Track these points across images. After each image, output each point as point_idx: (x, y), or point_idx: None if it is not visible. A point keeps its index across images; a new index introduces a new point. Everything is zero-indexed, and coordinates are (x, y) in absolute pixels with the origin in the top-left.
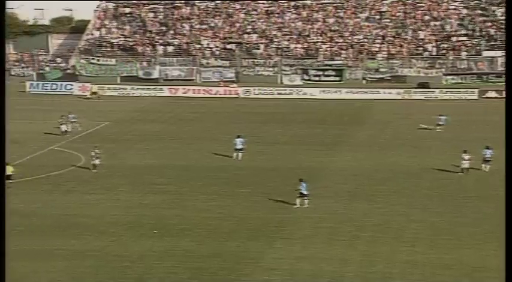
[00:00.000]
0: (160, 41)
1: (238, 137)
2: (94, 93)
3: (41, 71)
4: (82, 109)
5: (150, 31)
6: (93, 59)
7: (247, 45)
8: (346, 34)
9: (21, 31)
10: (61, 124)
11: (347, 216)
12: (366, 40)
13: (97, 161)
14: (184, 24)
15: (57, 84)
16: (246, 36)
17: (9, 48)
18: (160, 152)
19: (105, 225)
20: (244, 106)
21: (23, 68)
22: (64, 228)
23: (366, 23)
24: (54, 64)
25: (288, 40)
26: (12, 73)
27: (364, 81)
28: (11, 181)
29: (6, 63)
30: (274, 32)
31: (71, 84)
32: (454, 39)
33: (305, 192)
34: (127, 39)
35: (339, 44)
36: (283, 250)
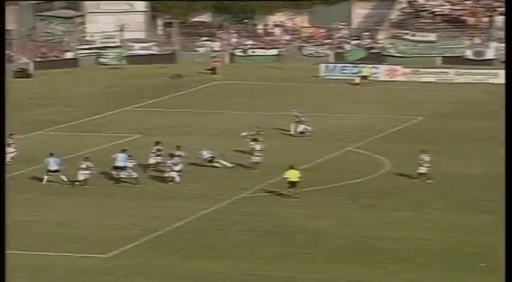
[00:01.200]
0: (500, 10)
1: None
2: (364, 77)
3: (339, 50)
4: (389, 98)
5: None
6: (407, 34)
7: None
8: None
9: None
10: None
11: None
12: None
13: (423, 169)
14: None
15: (358, 67)
16: None
17: (303, 21)
18: (489, 158)
19: (412, 252)
20: None
21: (317, 45)
22: (362, 253)
23: None
24: (357, 41)
25: None
26: (305, 52)
27: None
28: (296, 189)
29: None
30: None
31: (376, 67)
32: None
33: None
34: (454, 7)
35: None
36: None
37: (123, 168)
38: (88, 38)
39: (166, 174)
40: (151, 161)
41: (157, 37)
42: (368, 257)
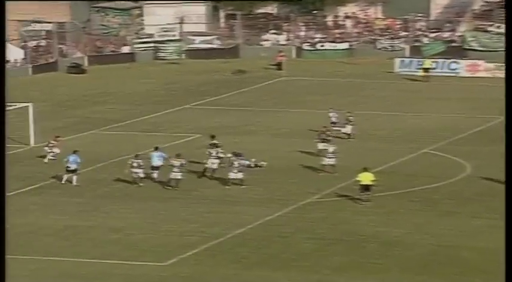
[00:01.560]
0: None
1: None
2: (426, 70)
3: (416, 44)
4: (470, 96)
5: None
6: (491, 25)
7: None
8: None
9: None
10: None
11: None
12: None
13: None
14: None
15: (437, 62)
16: None
17: (377, 12)
18: None
19: (495, 264)
20: None
21: (392, 38)
22: (439, 263)
23: None
24: (436, 34)
25: None
26: (378, 46)
27: None
28: (369, 193)
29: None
30: None
31: (457, 62)
32: None
33: None
34: None
35: None
36: None
37: (157, 168)
38: (146, 31)
39: (231, 176)
40: (210, 162)
41: (219, 30)
42: (446, 268)
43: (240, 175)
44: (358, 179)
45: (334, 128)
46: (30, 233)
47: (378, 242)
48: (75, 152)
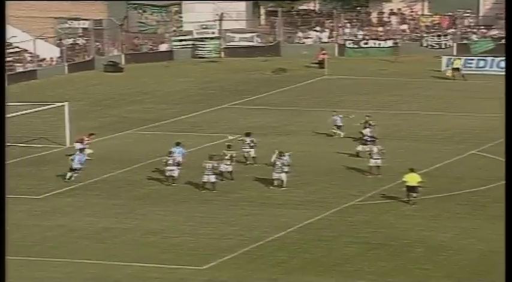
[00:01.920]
0: None
1: None
2: (456, 69)
3: (464, 41)
4: None
5: None
6: None
7: None
8: None
9: None
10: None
11: None
12: None
13: None
14: None
15: (485, 60)
16: None
17: (423, 8)
18: None
19: None
20: None
21: (439, 36)
22: (488, 270)
23: None
24: (485, 31)
25: None
26: (424, 44)
27: None
28: (416, 195)
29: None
30: None
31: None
32: None
33: None
34: None
35: None
36: None
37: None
38: (184, 29)
39: (275, 176)
40: (249, 153)
41: (259, 27)
42: (496, 276)
43: (283, 176)
44: (404, 180)
45: (336, 132)
46: (65, 235)
47: (423, 247)
48: (81, 150)
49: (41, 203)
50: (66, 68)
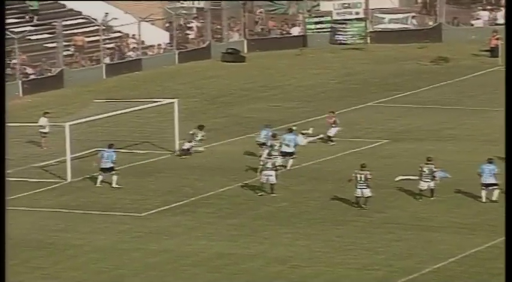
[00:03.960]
0: None
1: None
2: None
3: None
4: None
5: None
6: None
7: None
8: None
9: None
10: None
11: None
12: None
13: None
14: None
15: None
16: None
17: None
18: None
19: None
20: None
21: None
22: None
23: None
24: None
25: None
26: None
27: None
28: None
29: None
30: None
31: None
32: None
33: None
34: None
35: None
36: None
37: (288, 154)
38: (321, 8)
39: (422, 186)
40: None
41: (415, 6)
42: None
43: (432, 184)
44: None
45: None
46: (173, 262)
47: None
48: (110, 146)
49: (143, 223)
50: (176, 56)
